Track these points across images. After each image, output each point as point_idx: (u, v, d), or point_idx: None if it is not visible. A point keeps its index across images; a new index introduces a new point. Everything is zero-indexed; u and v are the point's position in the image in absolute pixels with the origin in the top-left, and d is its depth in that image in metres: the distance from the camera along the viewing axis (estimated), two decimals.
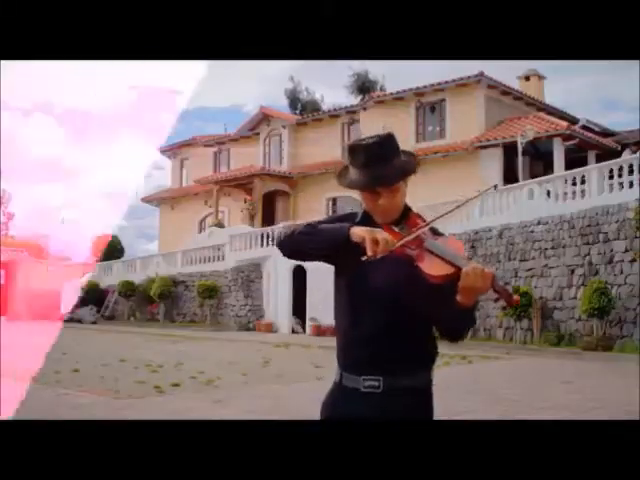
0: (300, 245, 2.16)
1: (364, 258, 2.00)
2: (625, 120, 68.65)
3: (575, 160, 21.88)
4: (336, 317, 2.28)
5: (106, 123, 74.92)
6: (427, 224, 2.13)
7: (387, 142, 2.16)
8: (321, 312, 20.04)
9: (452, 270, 1.98)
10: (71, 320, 28.30)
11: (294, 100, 41.65)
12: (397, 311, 2.14)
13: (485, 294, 2.01)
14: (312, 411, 2.34)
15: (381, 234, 2.02)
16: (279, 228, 23.18)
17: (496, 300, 2.10)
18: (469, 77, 24.44)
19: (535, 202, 17.41)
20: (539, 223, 16.84)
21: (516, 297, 2.05)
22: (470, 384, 9.79)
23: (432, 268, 2.00)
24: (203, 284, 25.02)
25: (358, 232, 2.04)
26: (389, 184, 2.14)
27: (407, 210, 2.21)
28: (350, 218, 2.24)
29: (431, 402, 2.20)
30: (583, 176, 16.60)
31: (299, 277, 21.82)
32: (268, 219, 28.94)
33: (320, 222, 2.23)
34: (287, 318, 22.66)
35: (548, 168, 22.68)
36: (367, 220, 2.18)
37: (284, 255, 2.23)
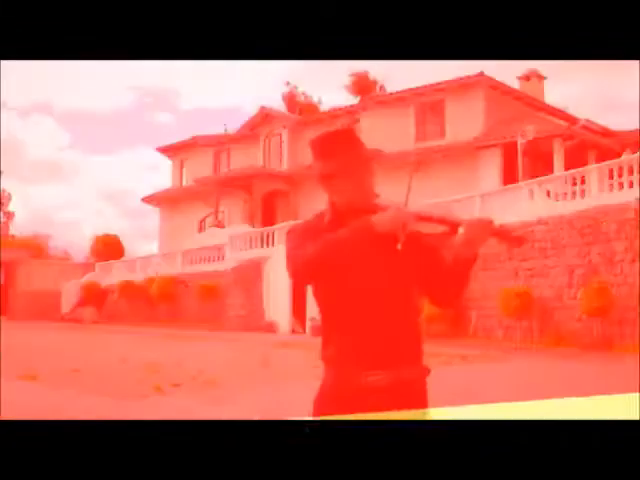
0: (321, 260, 2.11)
1: (399, 246, 2.07)
2: (625, 120, 68.69)
3: (575, 160, 21.88)
4: (330, 316, 2.25)
5: (106, 123, 74.87)
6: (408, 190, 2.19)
7: (349, 131, 2.32)
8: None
9: (448, 227, 2.10)
10: (71, 320, 28.31)
11: (291, 104, 41.64)
12: (395, 302, 2.17)
13: (486, 243, 2.10)
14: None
15: (399, 212, 2.07)
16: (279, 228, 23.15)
17: (500, 242, 2.18)
18: (469, 77, 24.44)
19: (535, 202, 17.41)
20: (539, 223, 16.84)
21: (518, 236, 2.16)
22: (470, 384, 9.79)
23: (430, 229, 2.11)
24: (203, 284, 25.01)
25: (381, 221, 2.06)
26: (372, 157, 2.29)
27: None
28: (322, 218, 2.34)
29: (426, 392, 2.24)
30: (583, 176, 16.61)
31: None
32: (268, 219, 28.93)
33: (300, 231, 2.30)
34: (287, 318, 22.65)
35: (548, 168, 22.68)
36: (338, 214, 2.28)
37: (304, 281, 2.22)
